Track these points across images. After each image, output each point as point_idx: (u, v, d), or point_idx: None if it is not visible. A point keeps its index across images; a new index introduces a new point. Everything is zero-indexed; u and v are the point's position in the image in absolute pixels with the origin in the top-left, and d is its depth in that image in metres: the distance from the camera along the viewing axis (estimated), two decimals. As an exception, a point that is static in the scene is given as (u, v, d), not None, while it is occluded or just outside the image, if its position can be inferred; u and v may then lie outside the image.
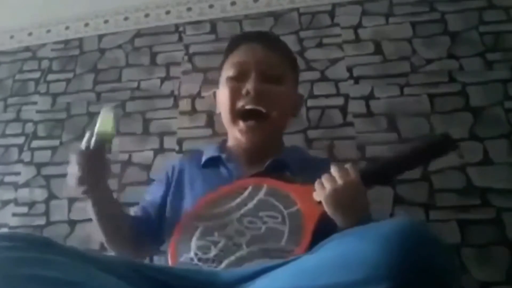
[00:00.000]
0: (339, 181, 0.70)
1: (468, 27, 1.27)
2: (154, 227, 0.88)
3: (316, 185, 0.73)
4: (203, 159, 0.93)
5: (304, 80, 1.30)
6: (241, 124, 0.88)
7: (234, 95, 0.89)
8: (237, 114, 0.89)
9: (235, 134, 0.91)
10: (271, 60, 0.91)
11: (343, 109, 1.24)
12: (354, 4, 1.37)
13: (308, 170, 0.76)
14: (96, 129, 0.77)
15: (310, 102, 1.27)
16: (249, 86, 0.87)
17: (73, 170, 0.76)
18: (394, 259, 0.46)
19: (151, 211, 0.91)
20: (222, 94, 0.92)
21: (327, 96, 1.27)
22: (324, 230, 0.71)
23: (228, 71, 0.92)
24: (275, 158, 0.88)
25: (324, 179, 0.72)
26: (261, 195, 0.79)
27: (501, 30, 1.25)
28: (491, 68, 1.21)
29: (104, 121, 0.78)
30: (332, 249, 0.53)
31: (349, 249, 0.50)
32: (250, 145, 0.90)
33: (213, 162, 0.92)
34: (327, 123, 1.23)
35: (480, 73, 1.20)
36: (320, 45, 1.34)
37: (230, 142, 0.96)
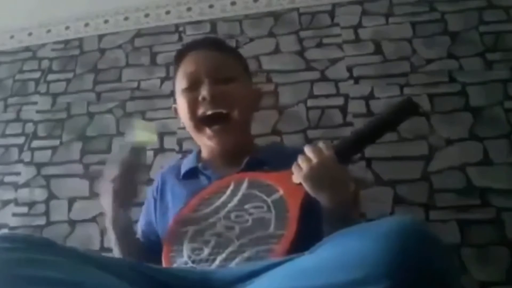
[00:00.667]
0: (314, 160, 0.72)
1: (468, 27, 1.27)
2: (158, 248, 0.86)
3: (294, 168, 0.75)
4: (182, 172, 0.94)
5: (304, 80, 1.30)
6: (207, 130, 0.89)
7: (192, 104, 0.90)
8: (200, 122, 0.90)
9: (205, 142, 0.92)
10: (219, 63, 0.92)
11: (343, 109, 1.24)
12: (354, 4, 1.37)
13: (287, 163, 0.77)
14: (134, 139, 0.79)
15: (310, 102, 1.27)
16: (203, 92, 0.88)
17: (107, 185, 0.80)
18: (393, 258, 0.45)
19: (150, 234, 0.94)
20: (181, 107, 0.93)
21: (327, 96, 1.27)
22: (309, 211, 0.72)
23: (181, 83, 0.93)
24: (252, 156, 0.89)
25: (300, 160, 0.74)
26: (243, 189, 0.80)
27: (501, 30, 1.25)
28: (491, 68, 1.21)
29: (141, 131, 0.80)
30: (331, 248, 0.53)
31: (347, 248, 0.50)
32: (222, 148, 0.91)
33: (192, 173, 0.93)
34: (327, 123, 1.23)
35: (480, 73, 1.20)
36: (320, 45, 1.34)
37: (203, 151, 0.97)
